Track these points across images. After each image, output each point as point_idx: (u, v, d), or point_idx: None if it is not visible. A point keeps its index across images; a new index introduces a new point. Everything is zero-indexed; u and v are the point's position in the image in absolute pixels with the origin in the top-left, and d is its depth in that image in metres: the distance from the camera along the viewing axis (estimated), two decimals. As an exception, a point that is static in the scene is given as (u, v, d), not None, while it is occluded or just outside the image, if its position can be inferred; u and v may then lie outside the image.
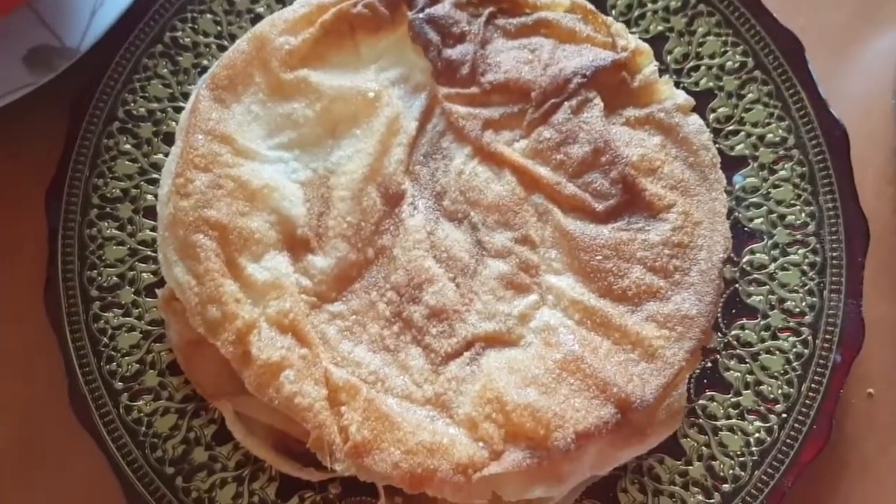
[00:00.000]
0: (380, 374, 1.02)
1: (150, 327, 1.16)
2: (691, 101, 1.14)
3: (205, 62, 1.23)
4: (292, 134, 1.10)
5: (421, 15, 1.14)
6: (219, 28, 1.24)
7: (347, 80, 1.12)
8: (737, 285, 1.18)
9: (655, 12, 1.26)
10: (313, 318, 1.04)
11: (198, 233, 1.01)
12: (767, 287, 1.18)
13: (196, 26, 1.24)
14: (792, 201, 1.20)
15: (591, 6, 1.17)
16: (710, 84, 1.23)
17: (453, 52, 1.13)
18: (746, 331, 1.17)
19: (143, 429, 1.13)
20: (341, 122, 1.11)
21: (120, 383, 1.14)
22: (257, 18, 1.23)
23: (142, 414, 1.13)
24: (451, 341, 1.04)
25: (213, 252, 1.01)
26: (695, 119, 1.13)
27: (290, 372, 0.98)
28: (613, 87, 1.14)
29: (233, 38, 1.23)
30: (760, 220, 1.20)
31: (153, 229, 1.18)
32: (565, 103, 1.11)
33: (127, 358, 1.15)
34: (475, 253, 1.08)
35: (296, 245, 1.06)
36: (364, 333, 1.05)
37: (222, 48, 1.23)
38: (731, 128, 1.22)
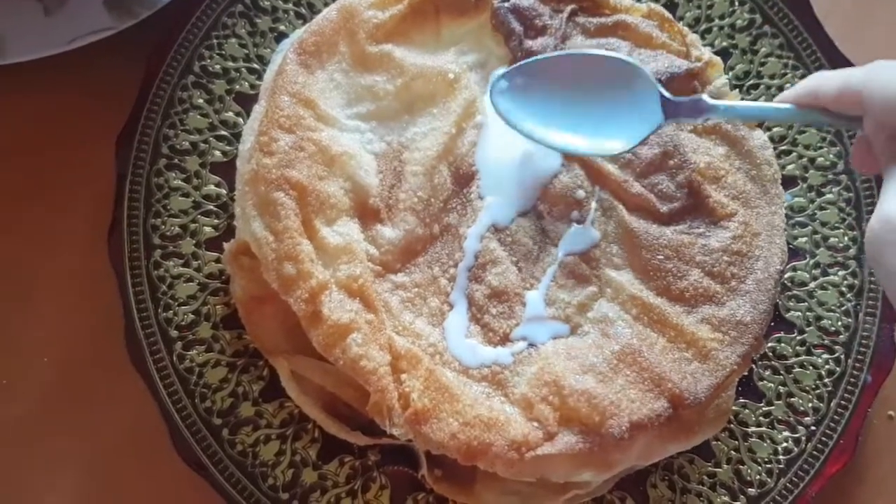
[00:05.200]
0: (438, 346, 1.05)
1: (207, 280, 1.18)
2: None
3: (282, 27, 1.25)
4: (371, 106, 1.13)
5: (506, 4, 1.17)
6: (299, -6, 1.26)
7: (429, 59, 1.15)
8: (777, 300, 1.21)
9: (721, 28, 1.29)
10: (377, 286, 1.06)
11: (279, 191, 1.03)
12: (806, 304, 1.22)
13: (277, -10, 1.26)
14: (836, 224, 1.24)
15: (668, 14, 1.20)
16: (770, 104, 1.27)
17: (534, 44, 1.16)
18: (783, 344, 1.21)
19: (195, 378, 1.15)
20: (419, 99, 1.14)
21: (175, 331, 1.16)
22: (336, -11, 1.26)
23: (194, 364, 1.15)
24: (510, 322, 1.07)
25: (292, 211, 1.03)
26: (760, 134, 1.17)
27: (358, 335, 1.01)
28: (684, 94, 1.16)
29: (310, 6, 1.26)
30: (805, 239, 1.24)
31: (217, 185, 1.20)
32: (638, 105, 1.15)
33: (183, 308, 1.17)
34: (539, 240, 1.11)
35: (366, 214, 1.09)
36: (425, 306, 1.08)
37: (300, 15, 1.25)
38: (784, 148, 1.26)
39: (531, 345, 1.07)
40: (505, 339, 1.07)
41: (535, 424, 1.01)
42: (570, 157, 1.14)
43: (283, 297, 1.02)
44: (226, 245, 1.12)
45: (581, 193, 1.12)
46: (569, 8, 1.19)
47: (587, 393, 1.01)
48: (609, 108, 1.05)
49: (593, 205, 1.12)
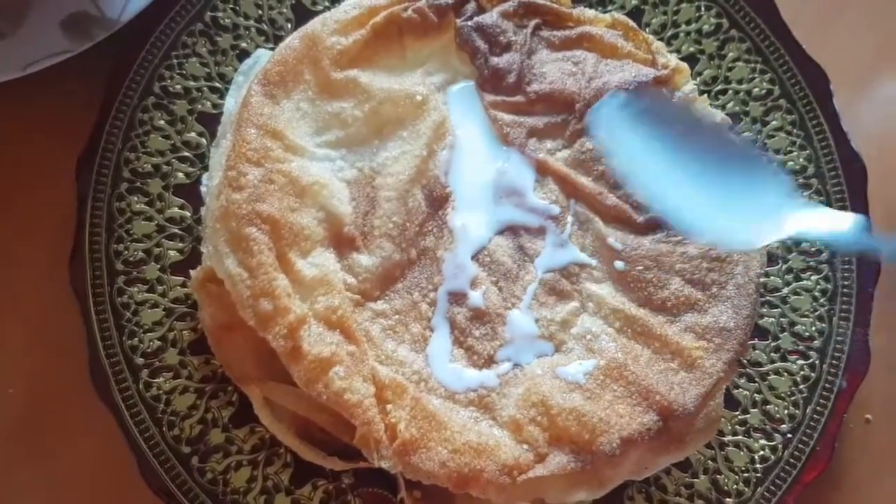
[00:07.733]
0: (423, 373, 1.04)
1: (173, 305, 1.16)
2: (728, 120, 1.18)
3: (243, 44, 1.22)
4: (339, 133, 1.11)
5: (469, 23, 1.15)
6: (259, 12, 1.23)
7: (395, 82, 1.13)
8: (759, 304, 1.20)
9: (688, 34, 1.28)
10: (357, 315, 1.05)
11: (251, 226, 1.01)
12: (779, 310, 1.22)
13: (237, 7, 1.23)
14: (808, 228, 1.24)
15: (632, 23, 1.20)
16: (737, 108, 1.27)
17: (500, 61, 1.15)
18: (757, 351, 1.21)
19: (162, 406, 1.13)
20: (388, 123, 1.12)
21: (141, 359, 1.14)
22: (298, 4, 1.24)
23: (161, 391, 1.13)
24: (493, 343, 1.06)
25: (265, 246, 1.01)
26: (733, 138, 1.16)
27: (340, 368, 0.99)
28: (653, 103, 1.16)
29: (273, 22, 1.23)
30: (777, 243, 1.23)
31: (182, 207, 1.18)
32: (608, 116, 1.13)
33: (149, 334, 1.15)
34: (517, 258, 1.10)
35: (342, 243, 1.07)
36: (406, 333, 1.06)
37: (261, 31, 1.23)
38: (754, 153, 1.26)
39: (516, 365, 1.06)
40: (490, 361, 1.06)
41: (526, 447, 1.01)
42: (543, 172, 1.13)
43: (261, 335, 1.00)
44: (192, 272, 1.09)
45: (556, 208, 1.11)
46: (532, 23, 1.18)
47: (576, 411, 1.01)
48: (730, 190, 1.01)
49: (569, 219, 1.11)
